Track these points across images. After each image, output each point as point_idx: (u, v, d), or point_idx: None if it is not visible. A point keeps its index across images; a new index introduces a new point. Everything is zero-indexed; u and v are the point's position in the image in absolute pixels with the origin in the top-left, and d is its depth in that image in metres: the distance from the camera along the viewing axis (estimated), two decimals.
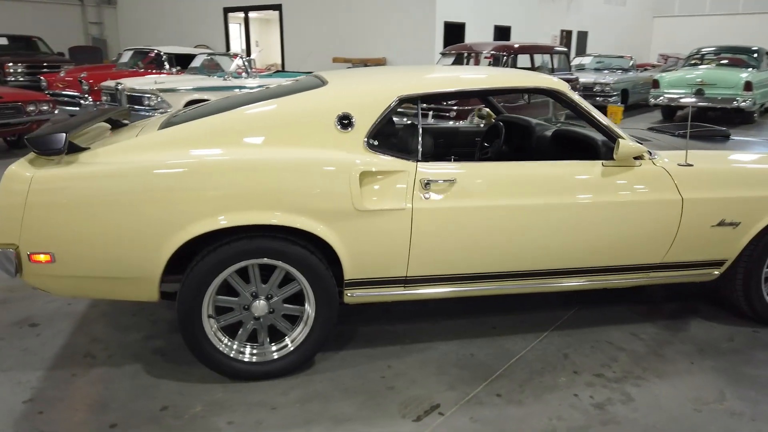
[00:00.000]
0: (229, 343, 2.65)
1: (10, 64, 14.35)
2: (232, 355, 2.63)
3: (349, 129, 2.62)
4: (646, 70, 15.42)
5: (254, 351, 2.68)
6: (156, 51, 11.50)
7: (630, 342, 3.08)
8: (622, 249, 2.93)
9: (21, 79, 14.19)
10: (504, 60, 9.92)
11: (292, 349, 2.68)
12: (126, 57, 11.86)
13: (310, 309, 2.66)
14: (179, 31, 19.02)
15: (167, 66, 11.14)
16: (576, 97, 2.91)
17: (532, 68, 10.54)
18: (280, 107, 2.66)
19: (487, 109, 4.25)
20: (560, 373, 2.78)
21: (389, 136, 2.64)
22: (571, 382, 2.71)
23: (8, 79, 13.98)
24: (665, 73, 12.17)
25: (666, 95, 11.83)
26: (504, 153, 3.79)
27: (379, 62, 14.86)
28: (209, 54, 10.65)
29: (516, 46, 10.31)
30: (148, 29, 20.05)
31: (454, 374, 2.75)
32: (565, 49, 11.49)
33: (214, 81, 9.49)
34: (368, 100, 2.68)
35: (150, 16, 20.01)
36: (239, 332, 2.66)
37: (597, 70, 14.09)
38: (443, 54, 10.72)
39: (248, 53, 17.95)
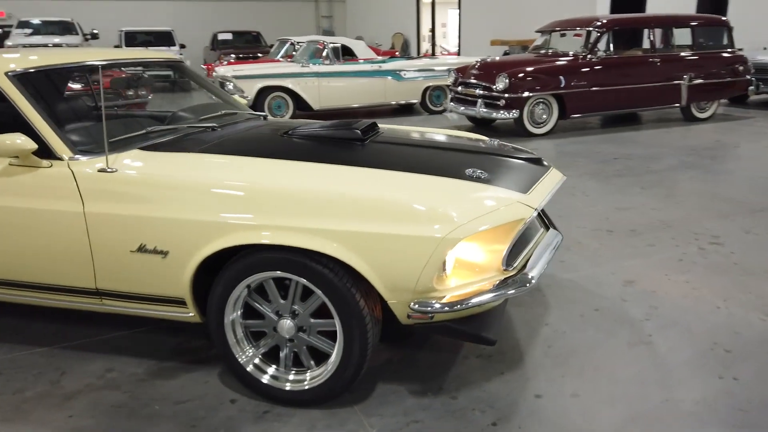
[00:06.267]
0: None
1: (232, 56, 16.93)
2: None
3: None
4: None
5: None
6: (291, 41, 12.36)
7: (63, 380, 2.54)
8: (35, 264, 2.43)
9: None
10: (596, 38, 8.17)
11: None
12: (274, 48, 13.01)
13: None
14: (385, 20, 19.87)
15: None
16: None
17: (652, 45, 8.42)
18: None
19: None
20: None
21: None
22: None
23: None
24: None
25: None
26: None
27: None
28: (297, 42, 11.07)
29: (616, 18, 8.37)
30: (367, 20, 21.39)
31: None
32: (724, 19, 8.92)
33: (289, 68, 9.85)
34: None
35: (368, 8, 21.30)
36: None
37: None
38: (540, 32, 9.28)
39: (433, 38, 17.91)
